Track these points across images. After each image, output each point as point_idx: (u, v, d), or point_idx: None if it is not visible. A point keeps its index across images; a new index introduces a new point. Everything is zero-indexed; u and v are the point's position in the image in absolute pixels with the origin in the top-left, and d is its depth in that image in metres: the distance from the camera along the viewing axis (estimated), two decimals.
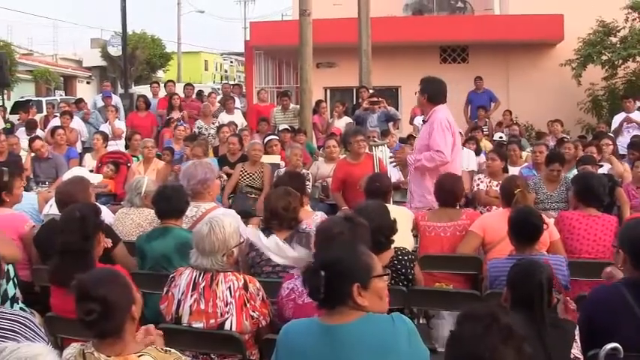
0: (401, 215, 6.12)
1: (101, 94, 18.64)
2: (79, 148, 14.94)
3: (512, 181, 7.19)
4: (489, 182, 9.68)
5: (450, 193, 7.10)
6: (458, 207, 7.23)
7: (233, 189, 10.83)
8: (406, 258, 5.50)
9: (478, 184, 9.75)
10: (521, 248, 5.55)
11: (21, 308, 5.24)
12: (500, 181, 8.87)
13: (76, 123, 15.67)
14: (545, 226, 5.63)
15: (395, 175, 10.22)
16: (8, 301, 5.28)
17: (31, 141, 12.21)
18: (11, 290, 5.36)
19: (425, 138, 8.21)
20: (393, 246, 5.34)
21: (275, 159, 11.63)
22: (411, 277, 5.52)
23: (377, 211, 5.28)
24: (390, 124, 14.82)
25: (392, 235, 5.20)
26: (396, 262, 5.44)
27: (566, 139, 12.93)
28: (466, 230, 6.79)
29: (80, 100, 18.40)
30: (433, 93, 8.20)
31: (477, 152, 12.87)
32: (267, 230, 5.87)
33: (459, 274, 6.66)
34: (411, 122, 17.26)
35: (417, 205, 7.97)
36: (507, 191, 6.99)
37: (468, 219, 6.90)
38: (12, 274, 5.48)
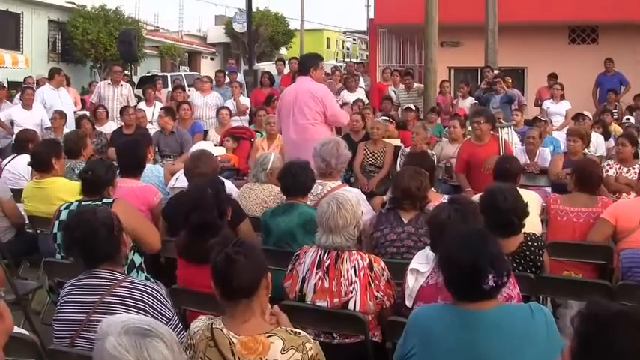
0: (529, 199, 5.91)
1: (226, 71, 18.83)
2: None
3: None
4: (619, 168, 9.26)
5: (590, 178, 6.78)
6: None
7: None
8: (536, 244, 5.30)
9: (607, 171, 9.33)
10: None
11: (146, 277, 5.32)
12: (632, 168, 8.58)
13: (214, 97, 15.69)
14: None
15: (521, 157, 9.97)
16: (135, 270, 5.37)
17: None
18: (137, 259, 5.45)
19: None
20: (522, 231, 5.25)
21: (395, 142, 11.49)
22: (539, 264, 5.32)
23: (511, 192, 5.24)
24: (513, 106, 14.53)
25: (524, 217, 5.11)
26: (524, 247, 5.27)
27: None
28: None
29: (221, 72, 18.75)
30: (299, 66, 8.72)
31: (606, 137, 12.43)
32: (392, 210, 5.82)
33: (588, 262, 6.38)
34: (536, 104, 16.92)
35: None
36: None
37: (603, 207, 6.56)
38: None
